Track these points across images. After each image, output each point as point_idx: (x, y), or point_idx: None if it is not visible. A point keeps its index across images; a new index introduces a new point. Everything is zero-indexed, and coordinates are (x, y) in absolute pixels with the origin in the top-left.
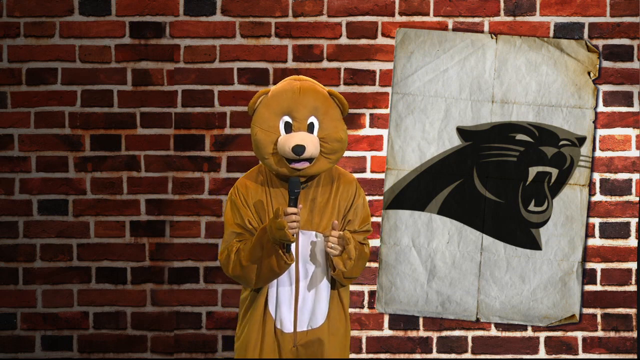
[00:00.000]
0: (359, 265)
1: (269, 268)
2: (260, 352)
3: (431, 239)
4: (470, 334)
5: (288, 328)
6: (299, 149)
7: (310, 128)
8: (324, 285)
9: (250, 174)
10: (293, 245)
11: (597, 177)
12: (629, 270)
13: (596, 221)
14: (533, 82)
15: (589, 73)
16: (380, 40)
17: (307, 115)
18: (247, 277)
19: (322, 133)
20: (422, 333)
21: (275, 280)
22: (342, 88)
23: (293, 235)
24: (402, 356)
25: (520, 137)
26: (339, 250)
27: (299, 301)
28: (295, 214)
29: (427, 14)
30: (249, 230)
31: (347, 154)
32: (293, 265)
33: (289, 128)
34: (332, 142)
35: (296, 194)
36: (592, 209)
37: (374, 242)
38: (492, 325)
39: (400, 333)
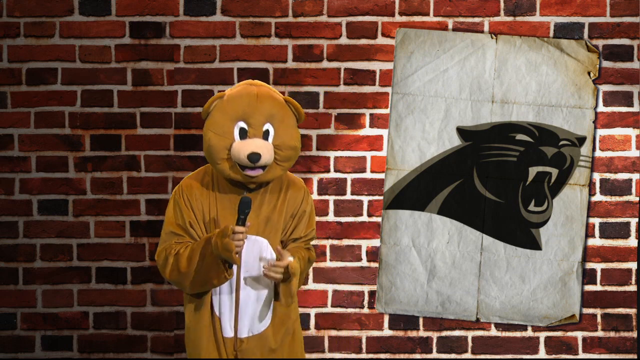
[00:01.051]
0: (302, 278)
1: (207, 279)
2: (204, 350)
3: (431, 239)
4: (470, 334)
5: (228, 333)
6: (254, 157)
7: (265, 135)
8: (266, 290)
9: (197, 174)
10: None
11: (597, 177)
12: (629, 270)
13: (596, 221)
14: (533, 82)
15: (589, 73)
16: (380, 40)
17: (263, 122)
18: (183, 283)
19: (277, 141)
20: (422, 333)
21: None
22: (342, 88)
23: (238, 256)
24: (402, 356)
25: (520, 137)
26: (280, 278)
27: (239, 306)
28: (242, 232)
29: (427, 14)
30: (189, 233)
31: (347, 154)
32: (235, 268)
33: (243, 134)
34: (287, 149)
35: (246, 214)
36: (592, 209)
37: (374, 242)
38: (492, 325)
39: (400, 333)
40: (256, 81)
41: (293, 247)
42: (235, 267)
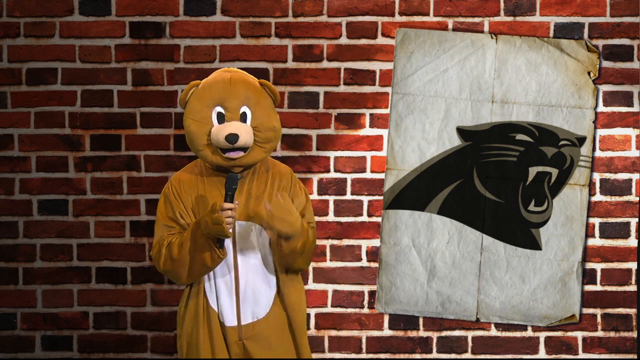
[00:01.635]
0: (300, 243)
1: (201, 262)
2: (211, 348)
3: (431, 239)
4: (470, 334)
5: (231, 321)
6: (232, 138)
7: (242, 118)
8: (265, 275)
9: (186, 168)
10: (229, 238)
11: (597, 177)
12: (629, 270)
13: (596, 221)
14: (533, 82)
15: (589, 73)
16: (380, 40)
17: (239, 105)
18: (178, 272)
19: (255, 122)
20: (422, 333)
21: (212, 274)
22: (342, 88)
23: (229, 230)
24: (402, 356)
25: (520, 137)
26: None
27: (240, 293)
28: (231, 209)
29: (427, 14)
30: (181, 224)
31: (347, 154)
32: (231, 257)
33: (221, 119)
34: (266, 130)
35: (233, 190)
36: (592, 209)
37: (374, 242)
38: (492, 325)
39: (400, 333)
40: (231, 68)
41: None
42: (230, 253)
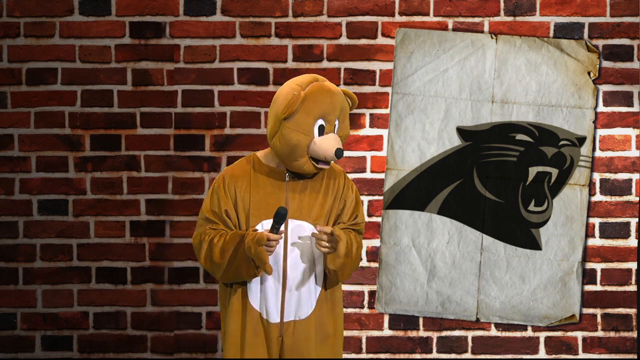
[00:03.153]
0: (348, 265)
1: (237, 273)
2: (247, 343)
3: (431, 239)
4: (470, 334)
5: (274, 318)
6: (340, 152)
7: (335, 129)
8: (313, 275)
9: (239, 163)
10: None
11: (597, 177)
12: (629, 270)
13: (596, 221)
14: (533, 82)
15: (589, 73)
16: (380, 40)
17: (336, 118)
18: (216, 273)
19: (342, 132)
20: (422, 333)
21: None
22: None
23: (267, 264)
24: (402, 356)
25: (520, 137)
26: (328, 248)
27: (286, 291)
28: (276, 240)
29: (427, 14)
30: (224, 221)
31: (347, 154)
32: (281, 255)
33: (321, 131)
34: (345, 138)
35: (280, 224)
36: (592, 209)
37: (374, 242)
38: (492, 325)
39: (400, 333)
40: (318, 75)
41: (341, 228)
42: (281, 251)
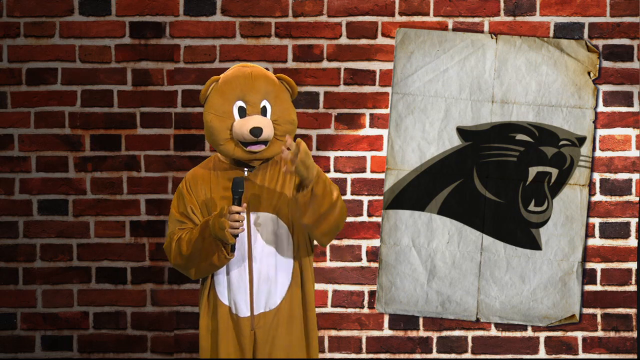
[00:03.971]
0: (324, 204)
1: (208, 261)
2: (220, 339)
3: (431, 239)
4: (470, 334)
5: (244, 312)
6: (256, 131)
7: (263, 112)
8: (281, 265)
9: (202, 164)
10: (244, 232)
11: (597, 177)
12: (629, 270)
13: (596, 221)
14: (533, 82)
15: (589, 73)
16: (380, 40)
17: (260, 99)
18: (188, 268)
19: (275, 116)
20: (422, 333)
21: (226, 267)
22: (342, 88)
23: (234, 236)
24: (402, 356)
25: (520, 137)
26: (294, 162)
27: (254, 284)
28: (239, 212)
29: (427, 14)
30: (191, 219)
31: (347, 154)
32: (246, 248)
33: (242, 113)
34: (285, 124)
35: (240, 194)
36: (592, 209)
37: (374, 242)
38: (492, 325)
39: (400, 333)
40: (248, 63)
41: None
42: (245, 244)
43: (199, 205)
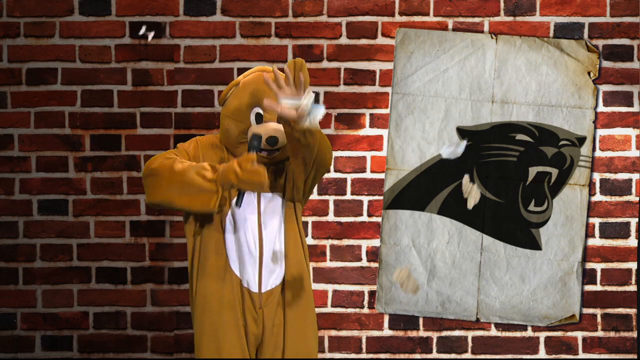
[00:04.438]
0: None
1: (200, 201)
2: (225, 305)
3: (431, 239)
4: (470, 334)
5: (254, 288)
6: (273, 140)
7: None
8: (283, 244)
9: (207, 138)
10: (254, 209)
11: (597, 177)
12: (629, 270)
13: (596, 221)
14: (533, 82)
15: (589, 73)
16: (380, 40)
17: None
18: (172, 191)
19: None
20: (422, 333)
21: (238, 242)
22: (342, 88)
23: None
24: (402, 356)
25: (520, 137)
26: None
27: (263, 264)
28: (252, 160)
29: (427, 14)
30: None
31: (347, 154)
32: (256, 228)
33: (259, 119)
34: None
35: (256, 147)
36: (592, 209)
37: (374, 242)
38: (492, 325)
39: (400, 333)
40: (267, 67)
41: None
42: (255, 224)
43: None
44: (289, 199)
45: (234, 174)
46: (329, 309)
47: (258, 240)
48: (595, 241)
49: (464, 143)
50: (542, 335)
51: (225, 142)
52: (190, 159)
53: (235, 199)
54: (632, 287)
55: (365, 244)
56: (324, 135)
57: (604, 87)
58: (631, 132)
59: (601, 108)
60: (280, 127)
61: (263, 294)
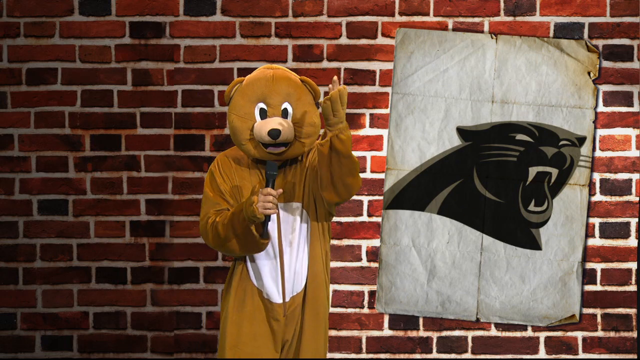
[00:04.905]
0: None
1: (244, 246)
2: (245, 316)
3: (431, 239)
4: (470, 334)
5: (276, 299)
6: (274, 132)
7: (284, 114)
8: (305, 252)
9: (231, 150)
10: (274, 221)
11: (597, 177)
12: (629, 270)
13: (596, 221)
14: (533, 82)
15: (589, 73)
16: (380, 40)
17: (281, 102)
18: (230, 248)
19: (296, 118)
20: (422, 333)
21: (256, 255)
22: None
23: (265, 215)
24: (402, 356)
25: (520, 137)
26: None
27: (285, 274)
28: (272, 195)
29: (427, 14)
30: (227, 200)
31: None
32: (276, 239)
33: (264, 114)
34: (306, 126)
35: (273, 177)
36: (592, 209)
37: (374, 242)
38: (492, 325)
39: (400, 333)
40: (273, 65)
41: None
42: (275, 235)
43: (229, 189)
44: (307, 207)
45: (243, 212)
46: (329, 309)
47: (278, 249)
48: (595, 241)
49: None
50: (542, 335)
51: (234, 140)
52: (224, 191)
53: (262, 230)
54: (632, 287)
55: (365, 244)
56: (356, 178)
57: (604, 87)
58: (631, 132)
59: (601, 108)
60: (284, 121)
61: (287, 302)
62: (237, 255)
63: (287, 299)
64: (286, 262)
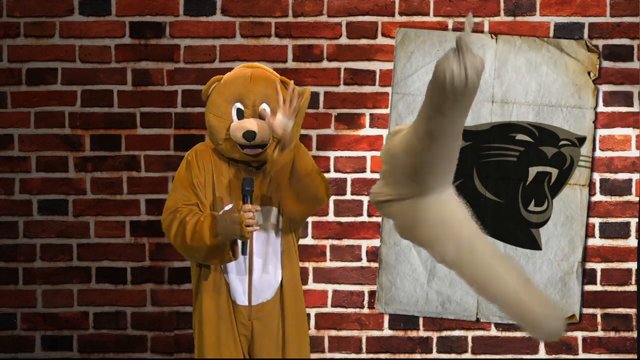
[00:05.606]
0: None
1: (210, 257)
2: (217, 322)
3: None
4: (470, 334)
5: (242, 301)
6: (249, 135)
7: (262, 114)
8: (276, 258)
9: (201, 150)
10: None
11: (597, 177)
12: (629, 270)
13: (596, 221)
14: (533, 82)
15: (589, 73)
16: (380, 40)
17: (259, 102)
18: (193, 255)
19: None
20: (422, 333)
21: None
22: (342, 88)
23: (249, 232)
24: (402, 356)
25: (520, 137)
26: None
27: (252, 277)
28: (251, 211)
29: (427, 14)
30: (197, 193)
31: (347, 154)
32: (239, 252)
33: (240, 114)
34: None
35: (250, 192)
36: (592, 209)
37: (374, 242)
38: (492, 325)
39: (400, 333)
40: (252, 63)
41: None
42: (240, 248)
43: (203, 182)
44: (283, 211)
45: (220, 226)
46: (329, 309)
47: (248, 254)
48: (595, 241)
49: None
50: None
51: (210, 139)
52: (197, 184)
53: (240, 249)
54: (632, 287)
55: (365, 244)
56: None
57: (604, 87)
58: (631, 132)
59: (601, 108)
60: (261, 122)
61: (254, 307)
62: (197, 261)
63: (254, 303)
64: (256, 267)
